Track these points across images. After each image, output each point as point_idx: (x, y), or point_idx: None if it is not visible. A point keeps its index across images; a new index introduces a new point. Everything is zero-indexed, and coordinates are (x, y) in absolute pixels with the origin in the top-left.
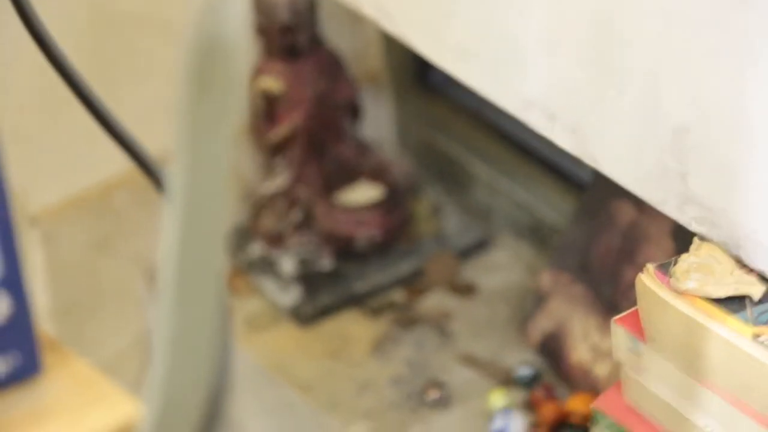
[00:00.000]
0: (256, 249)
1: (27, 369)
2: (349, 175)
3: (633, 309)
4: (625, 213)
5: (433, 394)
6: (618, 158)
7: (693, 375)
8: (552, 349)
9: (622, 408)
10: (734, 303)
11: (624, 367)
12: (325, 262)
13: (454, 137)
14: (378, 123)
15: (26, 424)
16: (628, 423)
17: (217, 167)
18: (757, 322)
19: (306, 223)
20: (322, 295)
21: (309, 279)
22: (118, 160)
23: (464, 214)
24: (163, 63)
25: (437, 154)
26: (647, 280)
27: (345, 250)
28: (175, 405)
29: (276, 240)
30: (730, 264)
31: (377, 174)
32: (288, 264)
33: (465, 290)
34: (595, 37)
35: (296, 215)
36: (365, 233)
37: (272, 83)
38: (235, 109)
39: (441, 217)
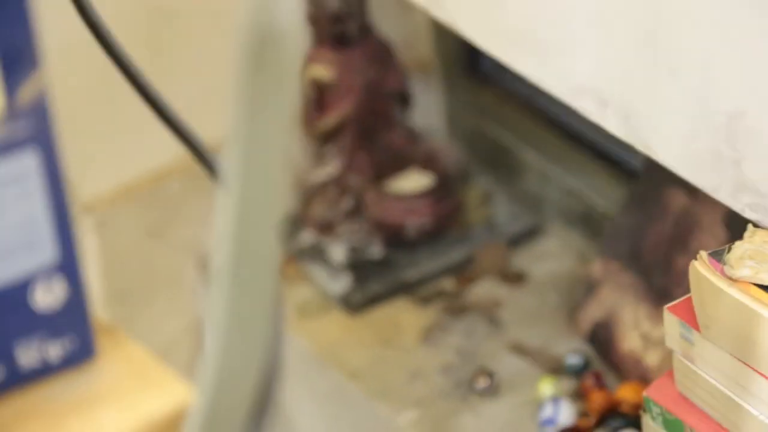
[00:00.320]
0: (307, 237)
1: (82, 353)
2: (399, 164)
3: (685, 297)
4: (677, 200)
5: (483, 383)
6: (671, 144)
7: (747, 362)
8: (602, 338)
9: (673, 397)
10: None
11: (676, 355)
12: (375, 250)
13: (505, 125)
14: (428, 111)
15: (81, 407)
16: (679, 412)
17: (273, 155)
18: None
19: (356, 211)
20: (372, 283)
21: (359, 267)
22: (172, 148)
23: (514, 202)
24: (216, 51)
25: (487, 141)
26: (701, 267)
27: (395, 238)
28: (227, 391)
29: (326, 228)
30: None
31: (427, 162)
32: (338, 252)
33: (515, 278)
34: (647, 20)
35: (347, 203)
36: (415, 221)
37: (322, 72)
38: (291, 97)
39: (491, 205)
